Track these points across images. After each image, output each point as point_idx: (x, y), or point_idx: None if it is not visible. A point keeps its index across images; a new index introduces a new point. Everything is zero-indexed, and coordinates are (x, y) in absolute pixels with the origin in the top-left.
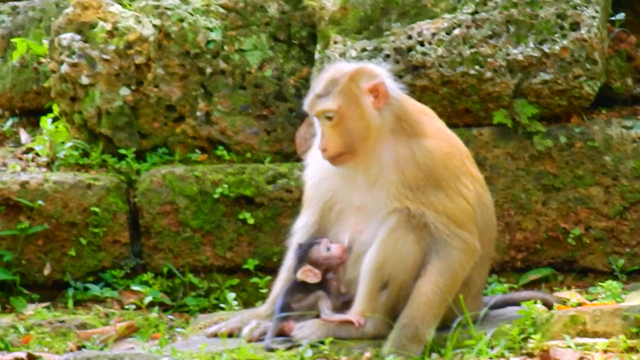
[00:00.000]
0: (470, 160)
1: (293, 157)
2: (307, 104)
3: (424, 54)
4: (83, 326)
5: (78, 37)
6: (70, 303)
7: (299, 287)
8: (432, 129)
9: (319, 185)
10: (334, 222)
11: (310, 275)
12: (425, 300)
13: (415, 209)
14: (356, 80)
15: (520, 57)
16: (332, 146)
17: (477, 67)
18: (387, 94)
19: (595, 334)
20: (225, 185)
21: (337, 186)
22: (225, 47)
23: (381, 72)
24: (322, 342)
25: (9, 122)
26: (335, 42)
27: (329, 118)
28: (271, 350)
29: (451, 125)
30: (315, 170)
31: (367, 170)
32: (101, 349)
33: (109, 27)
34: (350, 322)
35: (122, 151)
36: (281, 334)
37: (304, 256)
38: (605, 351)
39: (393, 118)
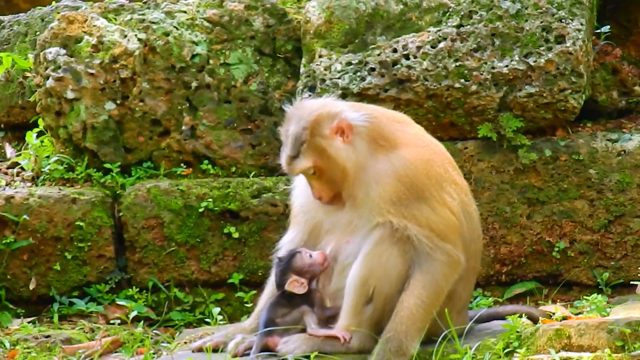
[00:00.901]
0: (454, 167)
1: (278, 171)
2: (284, 166)
3: (409, 67)
4: (68, 341)
5: (63, 51)
6: (56, 318)
7: (283, 302)
8: (409, 137)
9: (305, 207)
10: (321, 238)
11: (297, 285)
12: (408, 314)
13: (398, 223)
14: (317, 130)
15: (505, 70)
16: (325, 194)
17: (462, 80)
18: (352, 127)
19: (581, 348)
20: (210, 200)
21: (324, 209)
22: (211, 61)
23: (339, 107)
24: (308, 357)
25: None
26: (321, 56)
27: (310, 174)
28: None
29: (436, 139)
30: (302, 191)
31: (353, 195)
32: None
33: (94, 41)
34: (336, 338)
35: (107, 165)
36: (266, 349)
37: (287, 267)
38: None
39: (367, 142)
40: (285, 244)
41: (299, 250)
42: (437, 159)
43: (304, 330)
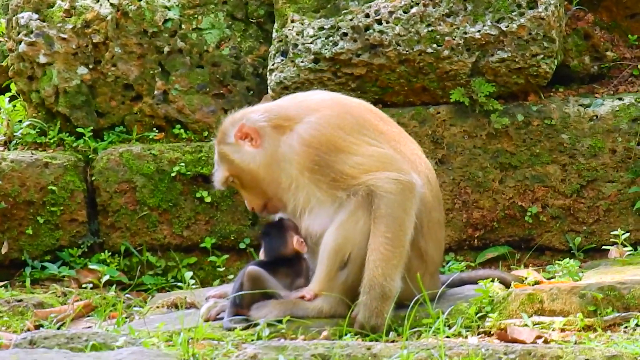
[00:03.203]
0: (382, 119)
1: None
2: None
3: (381, 32)
4: (41, 305)
5: (36, 16)
6: (28, 282)
7: (268, 269)
8: (315, 104)
9: None
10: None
11: (303, 244)
12: (378, 255)
13: (335, 187)
14: (223, 139)
15: (477, 36)
16: (255, 203)
17: (434, 45)
18: (256, 130)
19: (553, 313)
20: (183, 164)
21: None
22: (183, 26)
23: (240, 114)
24: (280, 321)
25: None
26: (293, 21)
27: (234, 184)
28: (229, 329)
29: (408, 104)
30: None
31: (281, 187)
32: (59, 328)
33: (66, 5)
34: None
35: (80, 130)
36: (239, 313)
37: (285, 228)
38: (562, 329)
39: (273, 134)
40: None
41: (280, 216)
42: (351, 111)
43: (275, 297)
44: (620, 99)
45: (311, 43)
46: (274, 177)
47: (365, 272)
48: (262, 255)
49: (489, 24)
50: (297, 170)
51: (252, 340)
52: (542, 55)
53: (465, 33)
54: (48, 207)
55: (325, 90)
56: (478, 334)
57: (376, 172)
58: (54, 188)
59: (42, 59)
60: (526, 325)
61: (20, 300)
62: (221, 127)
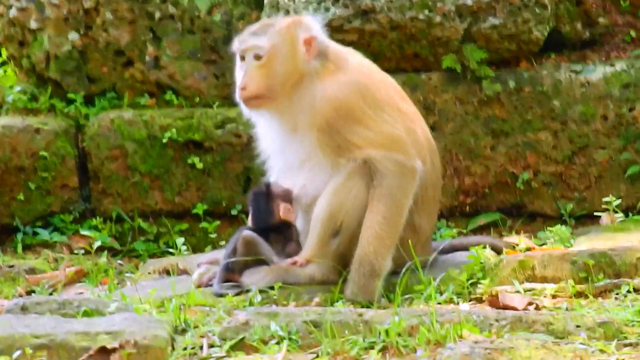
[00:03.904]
0: (402, 97)
1: None
2: (238, 40)
3: None
4: (32, 271)
5: None
6: (20, 248)
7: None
8: (352, 65)
9: (265, 147)
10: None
11: (290, 211)
12: (373, 233)
13: (339, 154)
14: (295, 28)
15: (469, 2)
16: (253, 86)
17: (426, 11)
18: (316, 44)
19: (544, 279)
20: (174, 130)
21: (272, 143)
22: None
23: (316, 26)
24: (272, 288)
25: None
26: None
27: (258, 57)
28: (220, 295)
29: (400, 70)
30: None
31: (287, 118)
32: (50, 294)
33: None
34: (295, 264)
35: (71, 96)
36: (230, 280)
37: (271, 196)
38: (554, 296)
39: (319, 66)
40: None
41: (267, 182)
42: (378, 85)
43: (266, 264)
44: (612, 65)
45: (303, 9)
46: (290, 94)
47: (358, 247)
48: (249, 223)
49: None
50: (308, 122)
51: (244, 307)
52: (534, 22)
53: None
54: (39, 173)
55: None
56: (469, 301)
57: (383, 149)
58: (45, 154)
59: (33, 25)
60: (517, 291)
61: (12, 266)
62: (303, 19)
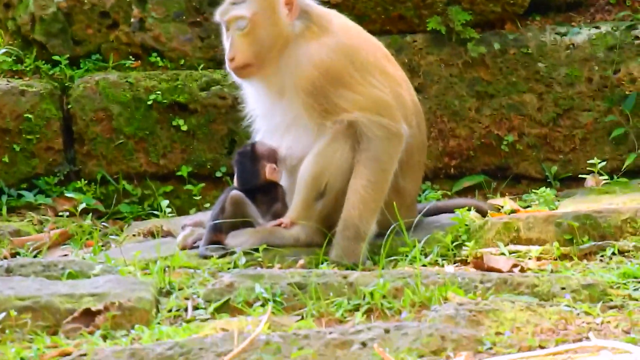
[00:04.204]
0: (389, 60)
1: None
2: (220, 11)
3: None
4: (17, 233)
5: None
6: (4, 210)
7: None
8: (339, 27)
9: (251, 110)
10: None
11: (276, 171)
12: (358, 197)
13: (325, 117)
14: None
15: None
16: (241, 56)
17: None
18: (299, 7)
19: (529, 241)
20: (159, 92)
21: (258, 106)
22: None
23: None
24: (256, 250)
25: None
26: None
27: (241, 27)
28: (206, 257)
29: (385, 32)
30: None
31: (274, 81)
32: (35, 256)
33: None
34: (280, 225)
35: (56, 58)
36: (216, 242)
37: (256, 156)
38: (538, 258)
39: (303, 27)
40: None
41: (253, 141)
42: (366, 48)
43: (252, 225)
44: (596, 27)
45: None
46: (277, 58)
47: (343, 211)
48: (235, 183)
49: None
50: (294, 85)
51: (229, 269)
52: None
53: None
54: (24, 135)
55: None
56: (454, 263)
57: (369, 113)
58: (30, 116)
59: None
60: (502, 254)
61: None
62: None
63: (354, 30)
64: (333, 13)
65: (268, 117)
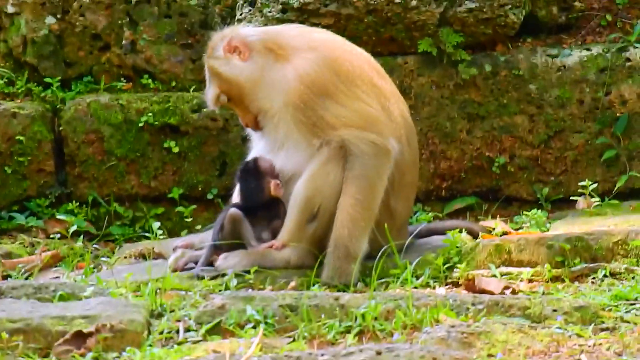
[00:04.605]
0: (378, 72)
1: None
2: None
3: None
4: (8, 255)
5: None
6: None
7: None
8: (317, 42)
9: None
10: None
11: (280, 187)
12: (347, 216)
13: (314, 133)
14: (212, 54)
15: None
16: (248, 119)
17: None
18: (245, 43)
19: (520, 263)
20: (150, 114)
21: (255, 136)
22: None
23: (230, 29)
24: (248, 272)
25: None
26: None
27: (226, 103)
28: (201, 278)
29: (376, 54)
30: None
31: (263, 110)
32: (26, 279)
33: None
34: (271, 247)
35: (48, 80)
36: (211, 264)
37: (260, 172)
38: (530, 280)
39: (265, 54)
40: None
41: (255, 156)
42: (350, 60)
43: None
44: (588, 49)
45: None
46: (259, 97)
47: (333, 231)
48: (235, 198)
49: None
50: (283, 103)
51: (220, 291)
52: (509, 6)
53: None
54: (15, 157)
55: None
56: (446, 285)
57: (356, 129)
58: (21, 138)
59: (10, 9)
60: (494, 275)
61: None
62: (210, 42)
63: (338, 43)
64: (314, 30)
65: (261, 137)
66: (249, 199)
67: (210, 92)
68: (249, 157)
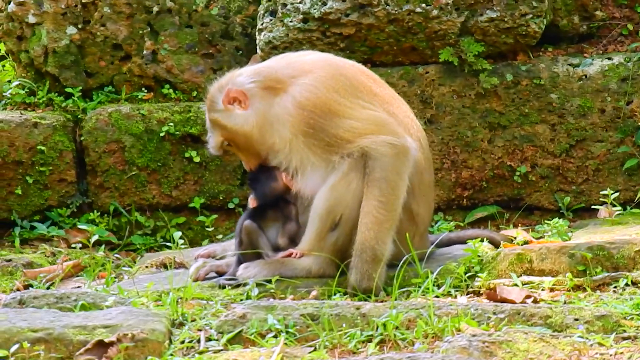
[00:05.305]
0: (375, 81)
1: None
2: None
3: None
4: (30, 265)
5: None
6: (17, 242)
7: (259, 218)
8: (308, 66)
9: None
10: None
11: (289, 178)
12: (371, 218)
13: (330, 152)
14: (212, 108)
15: None
16: (252, 164)
17: (423, 5)
18: (243, 92)
19: (542, 272)
20: (171, 124)
21: None
22: None
23: (226, 79)
24: (269, 281)
25: None
26: None
27: (229, 148)
28: (222, 287)
29: (397, 64)
30: None
31: (274, 149)
32: (48, 288)
33: None
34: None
35: (69, 90)
36: (222, 273)
37: (270, 168)
38: (551, 289)
39: (263, 96)
40: None
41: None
42: (345, 74)
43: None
44: (609, 58)
45: (300, 2)
46: (267, 138)
47: (358, 234)
48: (251, 203)
49: None
50: (290, 134)
51: (241, 300)
52: (531, 15)
53: None
54: (37, 167)
55: (314, 51)
56: (467, 294)
57: (371, 135)
58: (43, 148)
59: (32, 19)
60: (515, 285)
61: (10, 260)
62: (208, 94)
63: (329, 60)
64: (303, 53)
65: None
66: (263, 193)
67: (213, 140)
68: None
